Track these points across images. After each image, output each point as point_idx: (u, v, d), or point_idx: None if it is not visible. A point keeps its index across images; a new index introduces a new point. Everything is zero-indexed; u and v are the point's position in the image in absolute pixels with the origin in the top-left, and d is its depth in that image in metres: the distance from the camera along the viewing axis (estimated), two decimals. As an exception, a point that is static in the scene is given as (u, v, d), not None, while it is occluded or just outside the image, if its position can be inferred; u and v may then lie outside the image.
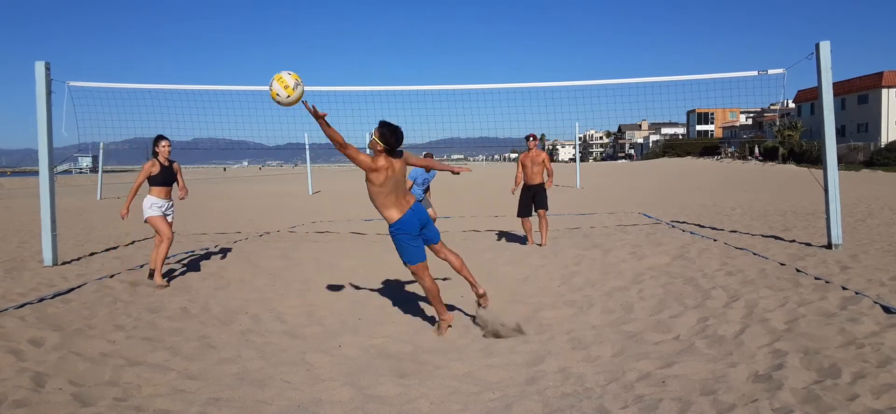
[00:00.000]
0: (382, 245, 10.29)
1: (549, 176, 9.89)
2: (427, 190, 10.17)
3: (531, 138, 9.79)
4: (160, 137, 7.33)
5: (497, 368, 4.23)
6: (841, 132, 56.72)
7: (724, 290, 6.14)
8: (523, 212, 9.73)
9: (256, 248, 10.11)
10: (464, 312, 5.83)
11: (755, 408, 3.31)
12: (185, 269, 8.28)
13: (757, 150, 59.19)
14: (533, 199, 9.69)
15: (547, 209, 9.69)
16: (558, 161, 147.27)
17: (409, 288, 6.93)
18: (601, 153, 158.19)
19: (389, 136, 4.81)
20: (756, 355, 4.17)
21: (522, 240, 10.16)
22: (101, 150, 28.00)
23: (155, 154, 7.26)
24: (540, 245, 9.49)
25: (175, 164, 7.42)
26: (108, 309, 6.04)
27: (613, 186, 28.41)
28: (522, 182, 9.82)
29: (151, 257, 7.37)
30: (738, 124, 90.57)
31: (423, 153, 10.17)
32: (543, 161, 9.70)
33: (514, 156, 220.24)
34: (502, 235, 11.22)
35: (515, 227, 12.21)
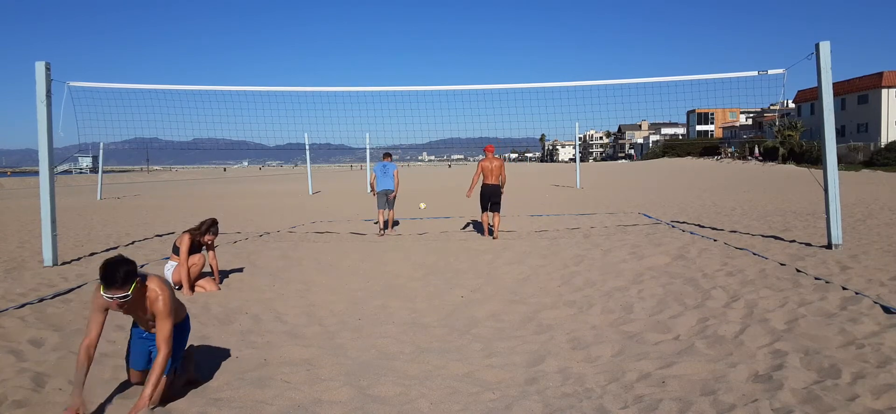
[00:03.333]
0: (382, 245, 10.29)
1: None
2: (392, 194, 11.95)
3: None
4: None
5: (497, 368, 4.23)
6: (841, 132, 56.72)
7: (724, 290, 6.14)
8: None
9: (256, 248, 10.11)
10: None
11: (755, 408, 3.31)
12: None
13: (757, 151, 59.20)
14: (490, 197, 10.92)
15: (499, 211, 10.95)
16: (558, 161, 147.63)
17: (409, 287, 6.93)
18: (601, 153, 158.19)
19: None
20: (756, 355, 4.17)
21: (483, 231, 11.36)
22: (101, 151, 28.01)
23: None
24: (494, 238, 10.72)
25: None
26: (108, 309, 6.03)
27: (613, 186, 28.41)
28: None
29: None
30: (738, 124, 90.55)
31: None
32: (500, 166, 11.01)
33: (514, 156, 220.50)
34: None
35: (515, 223, 12.23)
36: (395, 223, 13.48)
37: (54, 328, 5.28)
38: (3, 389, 3.82)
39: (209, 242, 6.94)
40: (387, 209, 12.05)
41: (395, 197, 12.05)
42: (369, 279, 7.46)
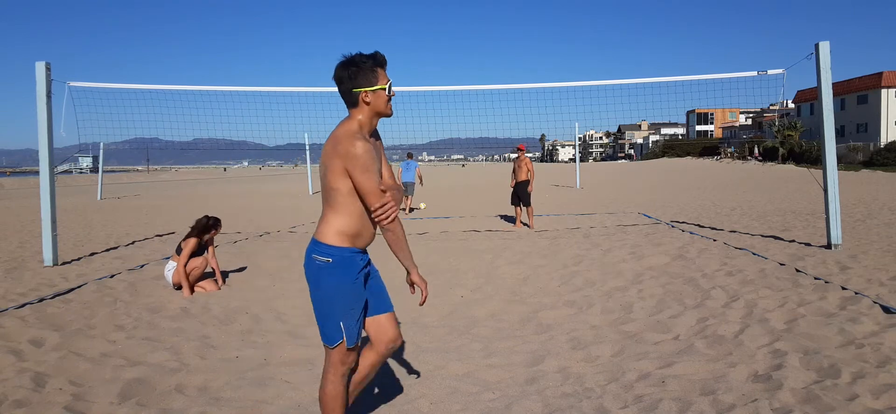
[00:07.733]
0: (382, 245, 10.29)
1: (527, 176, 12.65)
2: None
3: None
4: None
5: (497, 368, 4.23)
6: (840, 132, 56.73)
7: (724, 290, 6.14)
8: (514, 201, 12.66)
9: (256, 248, 10.11)
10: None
11: (755, 408, 3.31)
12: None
13: (756, 151, 59.21)
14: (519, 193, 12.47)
15: (528, 205, 12.31)
16: (558, 161, 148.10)
17: (408, 287, 6.92)
18: (601, 153, 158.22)
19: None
20: (756, 355, 4.17)
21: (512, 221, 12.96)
22: (101, 151, 27.98)
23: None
24: (527, 225, 12.28)
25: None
26: (108, 309, 6.04)
27: (613, 186, 28.41)
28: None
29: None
30: (737, 124, 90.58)
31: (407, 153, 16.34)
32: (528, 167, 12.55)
33: (513, 156, 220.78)
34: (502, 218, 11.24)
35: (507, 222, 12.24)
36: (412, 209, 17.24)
37: (54, 328, 5.28)
38: (3, 389, 3.82)
39: (212, 238, 7.00)
40: (408, 196, 16.37)
41: (414, 187, 16.44)
42: (369, 279, 7.45)
